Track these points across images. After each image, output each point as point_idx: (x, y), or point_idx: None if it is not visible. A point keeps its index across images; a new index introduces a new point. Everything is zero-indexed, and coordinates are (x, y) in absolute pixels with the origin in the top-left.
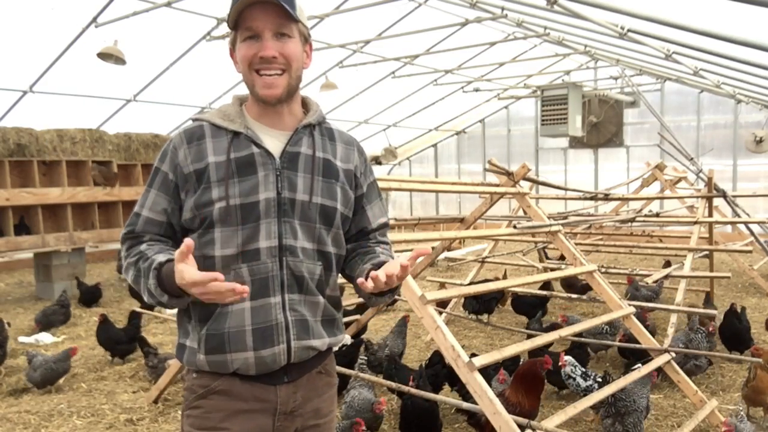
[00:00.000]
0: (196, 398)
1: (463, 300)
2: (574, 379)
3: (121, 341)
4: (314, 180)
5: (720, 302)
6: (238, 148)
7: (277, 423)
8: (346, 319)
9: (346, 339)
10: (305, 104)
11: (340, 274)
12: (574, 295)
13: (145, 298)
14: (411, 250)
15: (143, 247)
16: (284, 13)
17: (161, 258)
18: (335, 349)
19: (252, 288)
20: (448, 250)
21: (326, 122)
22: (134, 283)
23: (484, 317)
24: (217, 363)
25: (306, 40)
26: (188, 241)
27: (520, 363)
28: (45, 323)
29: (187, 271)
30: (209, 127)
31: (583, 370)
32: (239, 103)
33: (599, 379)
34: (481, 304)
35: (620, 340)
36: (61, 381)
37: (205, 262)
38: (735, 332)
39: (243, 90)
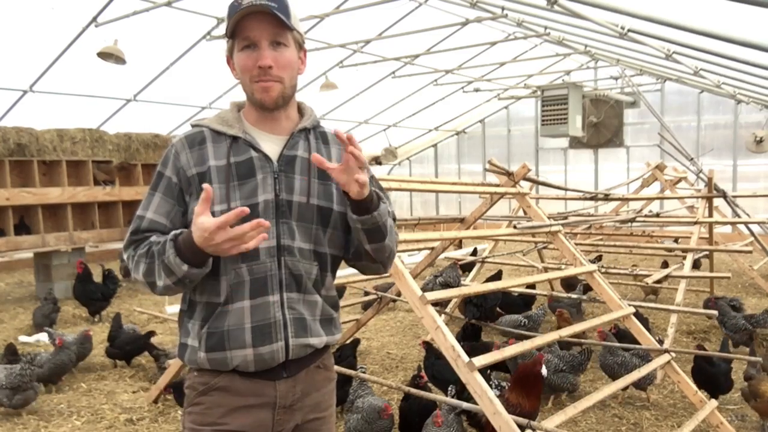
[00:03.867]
0: (197, 395)
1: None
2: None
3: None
4: (311, 182)
5: None
6: (237, 153)
7: (276, 417)
8: (345, 319)
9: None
10: (300, 109)
11: (351, 266)
12: (574, 295)
13: (160, 284)
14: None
15: (153, 238)
16: (279, 23)
17: (175, 231)
18: (333, 349)
19: (251, 287)
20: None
21: (320, 126)
22: (147, 275)
23: None
24: (217, 360)
25: (300, 46)
26: (207, 186)
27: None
28: (48, 325)
29: (208, 220)
30: (209, 132)
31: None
32: (237, 109)
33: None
34: (482, 312)
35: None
36: (62, 381)
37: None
38: (708, 376)
39: (242, 91)
